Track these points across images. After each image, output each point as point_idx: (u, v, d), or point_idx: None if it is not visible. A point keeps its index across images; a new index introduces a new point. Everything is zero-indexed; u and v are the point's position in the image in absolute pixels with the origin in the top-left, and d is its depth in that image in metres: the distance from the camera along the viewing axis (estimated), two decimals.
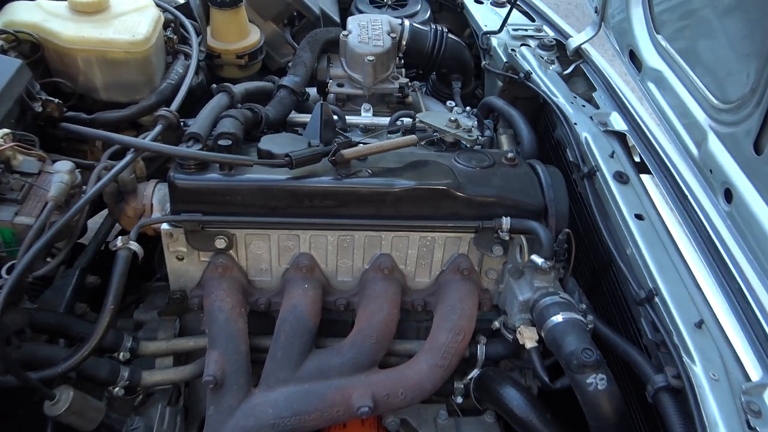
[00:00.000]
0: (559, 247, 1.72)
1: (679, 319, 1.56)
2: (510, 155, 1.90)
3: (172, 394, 1.77)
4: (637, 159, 2.14)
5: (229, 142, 1.68)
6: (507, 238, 1.72)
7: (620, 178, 1.96)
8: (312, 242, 1.77)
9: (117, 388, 1.62)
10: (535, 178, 1.86)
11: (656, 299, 1.62)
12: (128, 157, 1.65)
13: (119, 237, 1.60)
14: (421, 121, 1.99)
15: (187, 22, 2.13)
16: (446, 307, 1.77)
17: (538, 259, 1.69)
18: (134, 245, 1.58)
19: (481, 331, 1.85)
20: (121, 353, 1.66)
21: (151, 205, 1.76)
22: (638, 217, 1.84)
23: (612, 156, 2.05)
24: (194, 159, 1.63)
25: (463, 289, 1.80)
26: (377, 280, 1.79)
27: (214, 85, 1.98)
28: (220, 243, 1.71)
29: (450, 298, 1.79)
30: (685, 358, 1.46)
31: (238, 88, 2.03)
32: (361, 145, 1.80)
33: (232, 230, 1.72)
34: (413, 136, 1.86)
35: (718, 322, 1.55)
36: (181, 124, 1.85)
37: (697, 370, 1.43)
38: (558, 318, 1.59)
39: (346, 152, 1.69)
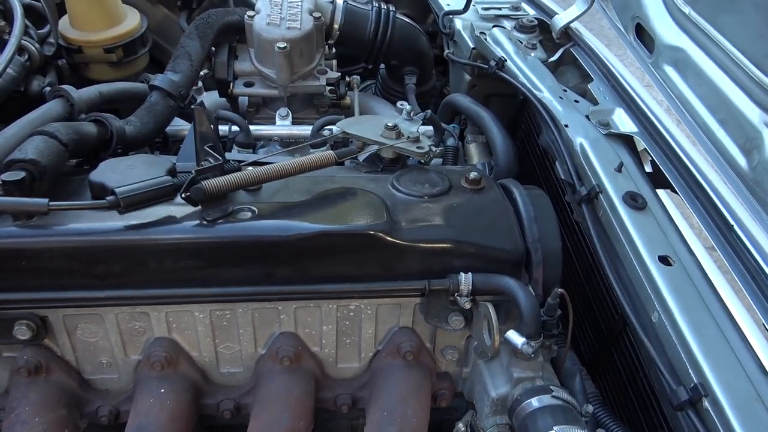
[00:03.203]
0: (549, 315, 1.12)
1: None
2: (473, 175, 1.29)
3: None
4: (647, 168, 1.55)
5: (22, 175, 1.07)
6: (468, 305, 1.12)
7: (633, 201, 1.36)
8: (171, 321, 1.16)
9: None
10: (510, 208, 1.27)
11: (705, 402, 1.02)
12: None
13: None
14: (345, 132, 1.39)
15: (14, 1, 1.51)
16: (381, 412, 1.16)
17: (516, 338, 1.09)
18: None
19: None
20: None
21: None
22: (664, 260, 1.24)
23: (620, 170, 1.45)
24: None
25: (407, 383, 1.19)
26: (275, 375, 1.18)
27: (47, 89, 1.38)
28: (22, 332, 1.09)
29: (388, 398, 1.18)
30: None
31: (87, 93, 1.42)
32: (249, 169, 1.20)
33: (41, 311, 1.11)
34: (330, 152, 1.25)
35: None
36: None
37: None
38: None
39: (210, 184, 1.08)
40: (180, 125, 1.63)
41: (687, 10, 1.47)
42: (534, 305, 1.08)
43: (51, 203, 1.00)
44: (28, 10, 1.71)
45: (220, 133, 1.63)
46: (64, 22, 1.76)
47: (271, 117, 1.83)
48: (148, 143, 1.47)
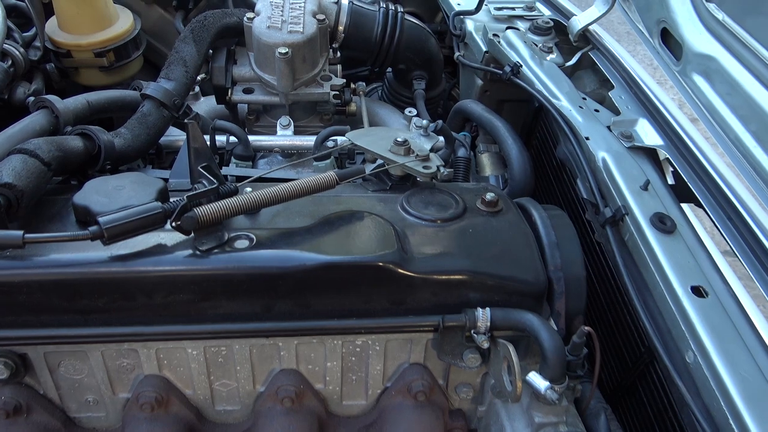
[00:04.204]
0: (574, 354, 1.03)
1: None
2: (489, 197, 1.19)
3: None
4: (669, 179, 1.45)
5: None
6: (486, 344, 1.02)
7: (662, 224, 1.26)
8: (162, 358, 1.07)
9: None
10: (530, 234, 1.17)
11: None
12: None
13: None
14: (354, 143, 1.28)
15: None
16: None
17: (539, 382, 0.99)
18: None
19: None
20: None
21: None
22: (697, 291, 1.14)
23: (646, 188, 1.35)
24: None
25: (418, 425, 1.10)
26: (275, 416, 1.09)
27: (31, 98, 1.28)
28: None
29: None
30: None
31: (74, 103, 1.32)
32: (247, 190, 1.11)
33: (20, 348, 1.02)
34: (331, 174, 1.15)
35: None
36: None
37: None
38: None
39: (203, 212, 0.98)
40: (175, 135, 1.53)
41: (721, 16, 1.37)
42: (559, 346, 0.99)
43: (27, 236, 0.90)
44: (11, 11, 1.60)
45: (218, 143, 1.54)
46: (51, 24, 1.65)
47: (271, 125, 1.73)
48: (139, 157, 1.37)
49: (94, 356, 1.04)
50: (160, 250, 1.00)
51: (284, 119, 1.60)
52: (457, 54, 2.00)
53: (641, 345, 1.27)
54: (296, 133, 1.63)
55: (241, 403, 1.14)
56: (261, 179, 1.23)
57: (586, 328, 1.01)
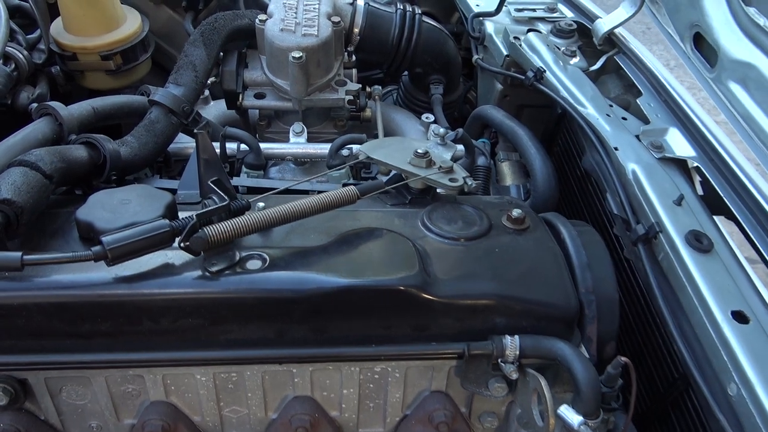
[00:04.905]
0: (608, 386, 0.96)
1: None
2: (516, 213, 1.12)
3: None
4: (698, 189, 1.38)
5: None
6: (514, 375, 0.96)
7: (698, 243, 1.19)
8: (170, 384, 1.01)
9: None
10: (560, 253, 1.10)
11: None
12: None
13: None
14: (369, 157, 1.22)
15: None
16: None
17: (572, 416, 0.92)
18: None
19: None
20: None
21: None
22: (739, 317, 1.07)
23: (680, 203, 1.27)
24: None
25: None
26: None
27: (34, 105, 1.22)
28: None
29: None
30: None
31: (78, 110, 1.26)
32: (260, 205, 1.05)
33: (20, 373, 0.96)
34: (352, 188, 1.08)
35: None
36: None
37: None
38: None
39: (213, 231, 0.92)
40: (183, 142, 1.46)
41: (762, 21, 1.29)
42: (593, 379, 0.92)
43: (26, 257, 0.85)
44: (15, 12, 1.54)
45: (228, 151, 1.47)
46: (57, 26, 1.59)
47: (283, 131, 1.66)
48: (146, 166, 1.31)
49: (97, 382, 0.98)
50: (167, 271, 0.94)
51: (297, 126, 1.53)
52: (475, 57, 1.92)
53: (675, 371, 1.20)
54: (309, 139, 1.57)
55: (252, 431, 1.08)
56: (270, 189, 1.16)
57: (623, 359, 0.94)
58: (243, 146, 1.46)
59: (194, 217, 0.92)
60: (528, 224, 1.13)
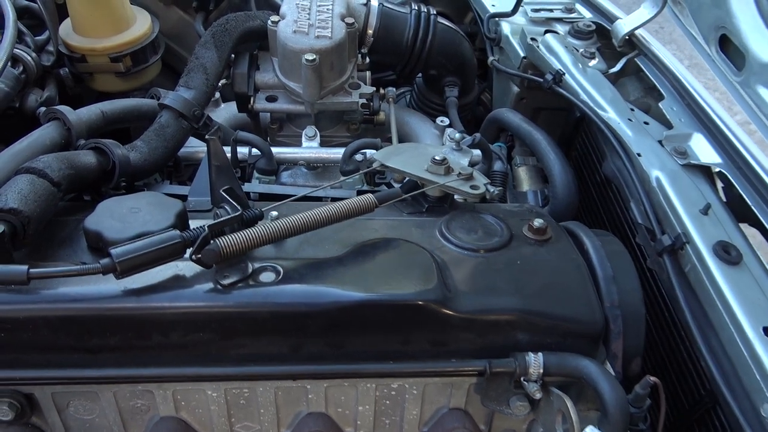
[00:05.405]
0: (636, 407, 0.92)
1: None
2: (537, 223, 1.08)
3: None
4: (722, 195, 1.33)
5: (0, 230, 0.88)
6: (538, 394, 0.92)
7: (726, 254, 1.14)
8: (180, 400, 0.98)
9: None
10: (583, 265, 1.06)
11: None
12: None
13: None
14: (384, 165, 1.18)
15: (4, 3, 1.29)
16: None
17: None
18: None
19: None
20: None
21: None
22: None
23: (706, 212, 1.23)
24: None
25: None
26: None
27: (42, 109, 1.20)
28: (3, 412, 0.92)
29: None
30: None
31: (87, 114, 1.23)
32: (273, 214, 1.01)
33: (26, 388, 0.93)
34: (370, 196, 1.05)
35: None
36: None
37: None
38: None
39: (225, 243, 0.89)
40: (194, 146, 1.43)
41: None
42: (621, 399, 0.88)
43: (32, 271, 0.82)
44: (23, 13, 1.51)
45: (240, 156, 1.44)
46: (65, 27, 1.56)
47: (295, 134, 1.63)
48: (156, 171, 1.27)
49: (105, 397, 0.95)
50: (178, 283, 0.91)
51: (310, 130, 1.50)
52: (491, 58, 1.88)
53: (702, 387, 1.15)
54: (321, 143, 1.53)
55: None
56: (284, 197, 1.13)
57: (652, 378, 0.90)
58: (254, 150, 1.43)
59: (206, 228, 0.88)
60: (550, 235, 1.09)
